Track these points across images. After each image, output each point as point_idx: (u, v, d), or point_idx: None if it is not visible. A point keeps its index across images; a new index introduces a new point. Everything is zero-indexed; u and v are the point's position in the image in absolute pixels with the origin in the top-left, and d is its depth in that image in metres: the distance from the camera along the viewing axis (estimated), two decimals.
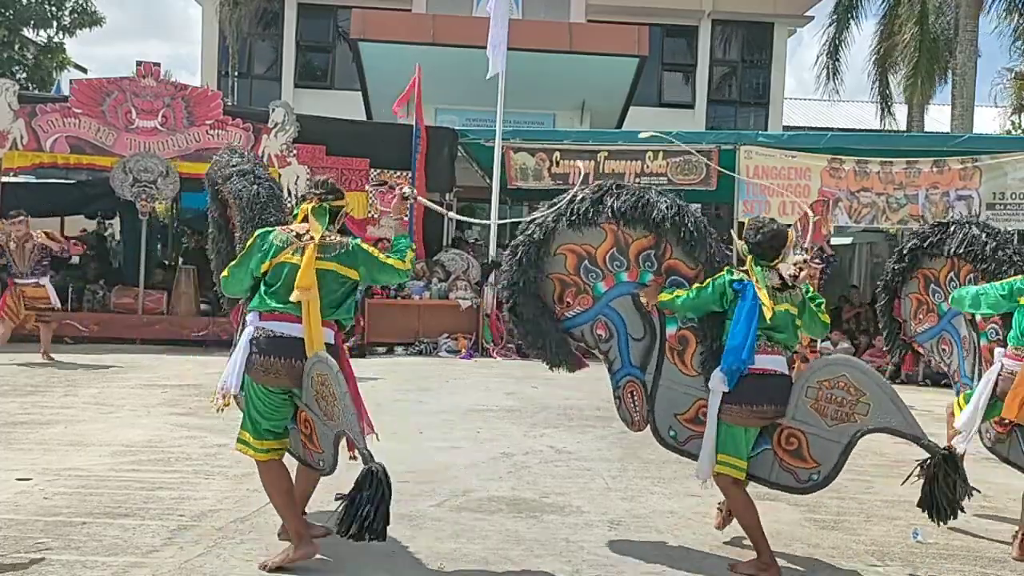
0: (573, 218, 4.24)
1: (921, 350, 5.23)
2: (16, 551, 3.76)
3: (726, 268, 4.14)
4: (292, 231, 3.84)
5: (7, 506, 4.41)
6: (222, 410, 3.89)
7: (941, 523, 3.90)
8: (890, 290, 5.22)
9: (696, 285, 4.12)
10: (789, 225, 5.33)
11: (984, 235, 4.74)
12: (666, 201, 4.19)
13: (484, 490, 5.10)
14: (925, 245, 4.98)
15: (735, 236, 4.25)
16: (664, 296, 4.16)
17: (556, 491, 5.12)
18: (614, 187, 4.29)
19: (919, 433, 3.79)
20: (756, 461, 4.05)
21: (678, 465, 5.94)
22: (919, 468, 3.89)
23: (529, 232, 4.34)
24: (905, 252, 5.10)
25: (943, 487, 3.78)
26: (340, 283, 3.84)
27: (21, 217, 9.75)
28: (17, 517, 4.23)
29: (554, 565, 3.87)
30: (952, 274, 4.91)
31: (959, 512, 3.87)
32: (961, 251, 4.78)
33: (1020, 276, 4.49)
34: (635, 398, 4.31)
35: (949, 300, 4.82)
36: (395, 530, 4.30)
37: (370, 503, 3.36)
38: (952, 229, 4.87)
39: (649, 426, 4.31)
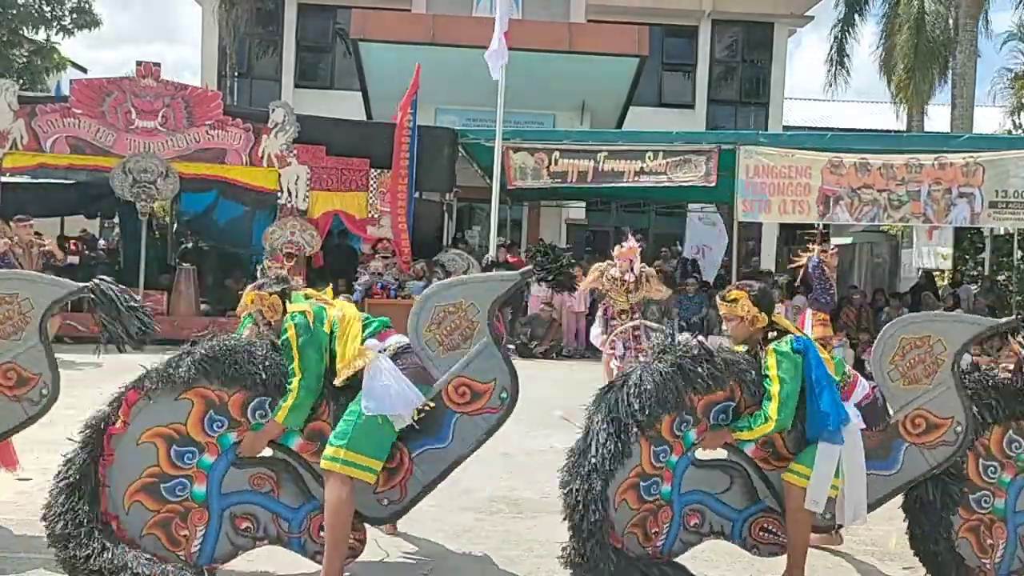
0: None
1: None
2: (16, 551, 3.76)
3: (772, 346, 3.81)
4: None
5: (7, 506, 4.41)
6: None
7: None
8: None
9: (775, 383, 3.71)
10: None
11: None
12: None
13: (484, 490, 5.09)
14: None
15: (752, 304, 3.90)
16: (750, 432, 3.77)
17: (556, 491, 5.10)
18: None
19: None
20: None
21: None
22: None
23: None
24: None
25: None
26: None
27: (30, 221, 9.74)
28: (17, 517, 4.23)
29: (554, 565, 3.86)
30: None
31: None
32: None
33: None
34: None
35: None
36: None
37: None
38: None
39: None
